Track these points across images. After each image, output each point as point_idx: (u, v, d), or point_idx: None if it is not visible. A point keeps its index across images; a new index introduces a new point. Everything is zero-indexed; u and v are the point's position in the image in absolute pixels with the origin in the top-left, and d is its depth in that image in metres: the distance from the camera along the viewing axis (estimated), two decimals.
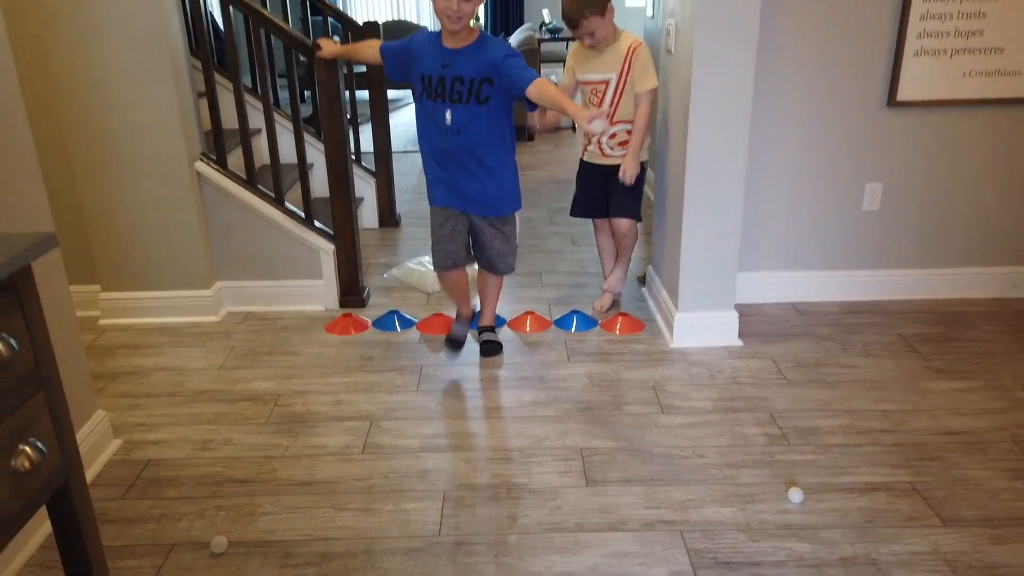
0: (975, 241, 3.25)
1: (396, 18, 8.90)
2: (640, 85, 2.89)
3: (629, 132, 2.97)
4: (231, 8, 3.02)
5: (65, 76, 2.83)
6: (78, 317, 2.29)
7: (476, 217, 2.65)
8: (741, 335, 2.95)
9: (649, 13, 4.52)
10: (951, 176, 3.15)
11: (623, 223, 3.10)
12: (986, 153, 3.12)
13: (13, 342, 1.28)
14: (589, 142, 3.12)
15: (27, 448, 1.31)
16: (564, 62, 3.26)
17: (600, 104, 2.99)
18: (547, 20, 7.77)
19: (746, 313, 3.08)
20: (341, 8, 8.30)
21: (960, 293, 3.31)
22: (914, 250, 3.26)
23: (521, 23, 8.82)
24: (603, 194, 3.12)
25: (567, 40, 7.41)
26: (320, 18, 4.30)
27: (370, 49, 2.72)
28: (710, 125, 2.68)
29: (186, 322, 3.18)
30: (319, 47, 2.94)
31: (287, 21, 4.22)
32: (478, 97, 2.42)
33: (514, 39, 6.87)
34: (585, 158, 3.17)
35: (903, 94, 2.99)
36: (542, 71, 6.69)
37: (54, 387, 1.40)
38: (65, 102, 2.86)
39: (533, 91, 2.33)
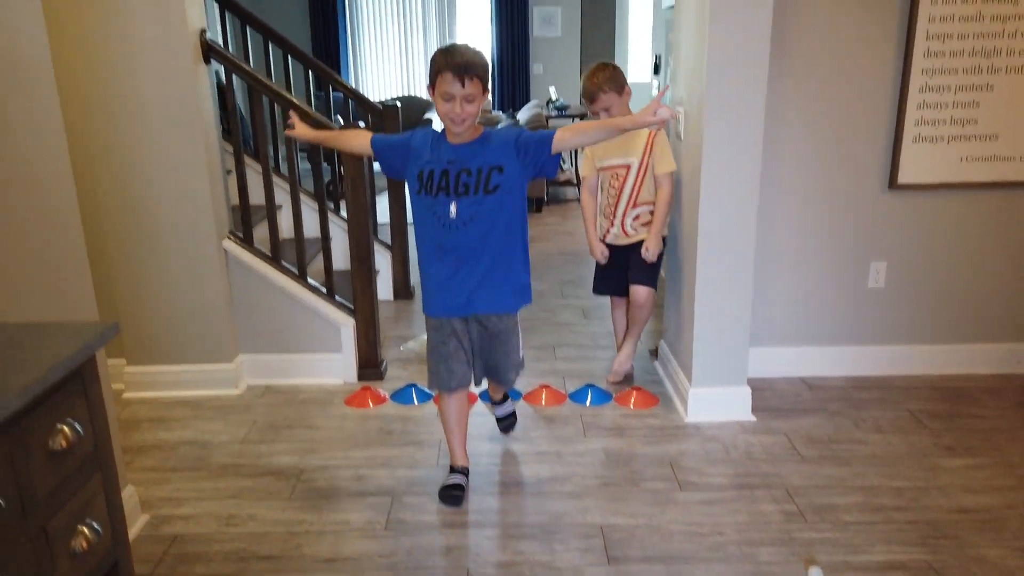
0: (977, 318, 3.34)
1: (406, 94, 9.18)
2: (660, 168, 3.04)
3: (652, 213, 3.10)
4: (263, 96, 3.19)
5: (103, 157, 2.97)
6: None
7: (478, 321, 2.45)
8: (754, 410, 3.01)
9: (654, 93, 4.72)
10: (953, 255, 3.26)
11: (640, 291, 3.16)
12: (986, 233, 3.24)
13: (79, 427, 1.35)
14: (612, 224, 3.22)
15: (85, 529, 1.37)
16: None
17: (621, 188, 3.12)
18: (554, 97, 8.01)
19: (757, 388, 3.14)
20: (353, 84, 8.61)
21: (964, 369, 3.38)
22: (919, 326, 3.35)
23: (528, 100, 9.10)
24: (624, 273, 3.23)
25: (574, 117, 7.64)
26: (341, 95, 4.48)
27: (357, 138, 2.52)
28: (720, 207, 2.80)
29: (208, 395, 3.24)
30: (291, 126, 2.61)
31: (309, 101, 4.41)
32: (486, 187, 2.27)
33: (522, 116, 7.11)
34: (608, 241, 3.26)
35: (904, 177, 3.12)
36: None
37: (110, 469, 1.46)
38: (103, 182, 2.99)
39: (564, 135, 2.25)
